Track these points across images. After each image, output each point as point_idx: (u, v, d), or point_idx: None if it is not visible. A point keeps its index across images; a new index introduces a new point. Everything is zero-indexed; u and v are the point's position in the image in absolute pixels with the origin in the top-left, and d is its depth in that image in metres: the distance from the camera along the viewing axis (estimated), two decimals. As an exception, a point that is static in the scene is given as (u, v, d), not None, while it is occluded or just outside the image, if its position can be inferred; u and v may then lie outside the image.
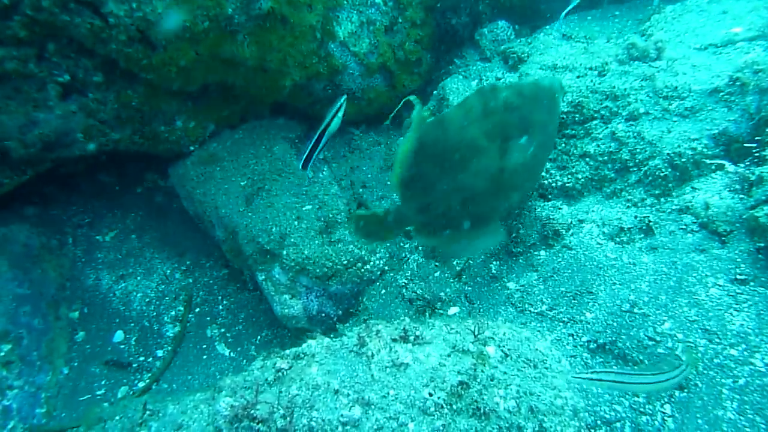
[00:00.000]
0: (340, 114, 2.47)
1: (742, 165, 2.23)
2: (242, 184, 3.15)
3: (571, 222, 2.54)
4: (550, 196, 2.73)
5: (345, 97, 2.50)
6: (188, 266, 3.34)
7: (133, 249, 3.32)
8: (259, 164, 3.25)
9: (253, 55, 2.89)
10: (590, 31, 3.46)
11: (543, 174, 2.75)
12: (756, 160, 2.14)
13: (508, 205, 2.43)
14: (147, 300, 3.16)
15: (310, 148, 2.46)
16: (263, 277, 2.98)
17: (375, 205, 3.27)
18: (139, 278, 3.24)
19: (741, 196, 2.15)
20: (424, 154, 2.21)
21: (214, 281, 3.30)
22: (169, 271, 3.29)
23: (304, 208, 3.08)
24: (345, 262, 2.89)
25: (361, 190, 3.34)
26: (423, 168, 2.23)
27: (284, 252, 2.90)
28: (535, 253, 2.57)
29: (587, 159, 2.62)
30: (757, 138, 2.20)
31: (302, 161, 2.46)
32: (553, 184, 2.71)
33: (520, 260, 2.60)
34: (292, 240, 2.92)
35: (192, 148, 3.26)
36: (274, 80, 3.11)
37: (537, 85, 2.24)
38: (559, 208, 2.67)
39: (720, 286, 2.02)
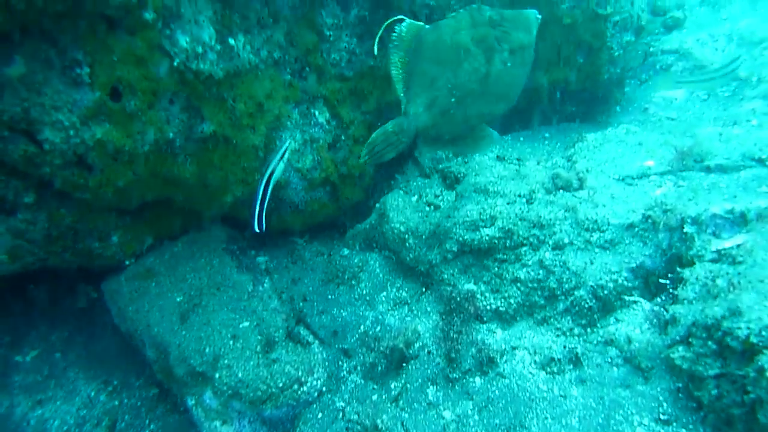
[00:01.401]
0: (285, 158, 2.70)
1: (659, 299, 2.36)
2: (178, 299, 3.07)
3: (505, 348, 2.58)
4: (485, 318, 2.79)
5: (290, 141, 2.62)
6: (115, 386, 3.16)
7: (56, 369, 3.13)
8: (198, 278, 3.19)
9: (194, 174, 2.92)
10: (522, 152, 3.70)
11: (478, 296, 2.81)
12: (671, 296, 2.27)
13: (494, 113, 2.90)
14: (65, 428, 2.93)
15: (258, 202, 2.60)
16: (193, 402, 2.84)
17: (315, 320, 3.23)
18: (58, 403, 3.02)
19: (659, 331, 2.25)
20: (425, 52, 2.67)
21: (143, 402, 3.11)
22: (93, 393, 3.09)
23: (241, 326, 3.01)
24: (281, 385, 2.81)
25: (301, 303, 3.30)
26: (423, 66, 2.69)
27: (217, 375, 2.80)
28: (471, 379, 2.57)
29: (518, 284, 2.71)
30: (670, 275, 2.35)
31: (255, 220, 2.59)
32: (488, 307, 2.77)
33: (457, 387, 2.59)
34: (226, 361, 2.82)
35: (128, 262, 3.18)
36: (216, 196, 3.13)
37: (518, 12, 2.75)
38: (494, 332, 2.71)
39: (645, 425, 2.06)
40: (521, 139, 3.89)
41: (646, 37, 4.92)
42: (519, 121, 4.08)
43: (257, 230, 2.69)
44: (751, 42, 4.26)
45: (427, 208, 3.35)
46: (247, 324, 3.01)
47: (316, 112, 3.44)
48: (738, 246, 2.11)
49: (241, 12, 2.91)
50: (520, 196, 2.93)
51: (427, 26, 2.86)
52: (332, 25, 3.35)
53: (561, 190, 2.92)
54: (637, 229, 2.55)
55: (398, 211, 3.33)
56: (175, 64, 2.54)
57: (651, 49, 4.70)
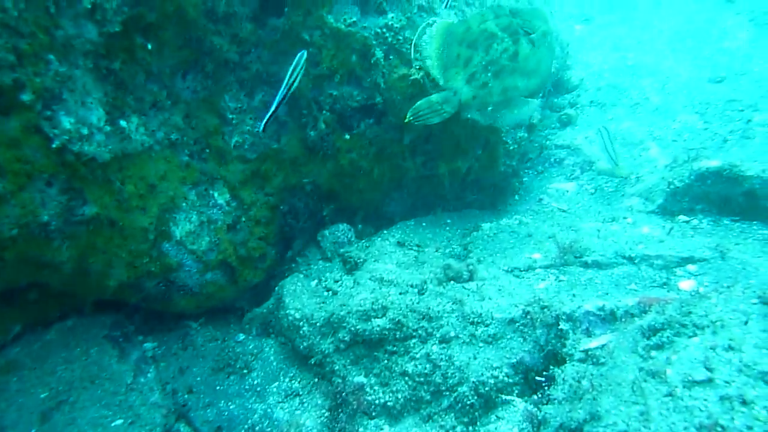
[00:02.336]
0: (301, 74, 2.75)
1: (536, 397, 2.41)
2: (42, 396, 2.79)
3: (391, 448, 2.51)
4: (373, 414, 2.72)
5: (304, 52, 2.73)
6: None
7: None
8: (70, 370, 2.93)
9: (72, 258, 2.75)
10: (423, 238, 3.79)
11: (368, 389, 2.75)
12: (546, 395, 2.33)
13: (529, 87, 3.26)
14: None
15: (271, 110, 2.69)
16: None
17: (199, 414, 3.02)
18: None
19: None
20: (456, 41, 3.20)
21: None
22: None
23: (112, 424, 2.76)
24: (150, 493, 2.56)
25: (186, 396, 3.10)
26: (457, 50, 3.19)
27: (77, 483, 2.52)
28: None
29: (406, 378, 2.68)
30: (545, 372, 2.42)
31: (263, 124, 2.70)
32: (376, 401, 2.71)
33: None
34: (90, 467, 2.56)
35: (-13, 352, 2.89)
36: (99, 280, 2.95)
37: (532, 7, 3.40)
38: (381, 429, 2.65)
39: None
40: (424, 224, 3.99)
41: (543, 130, 5.34)
42: (422, 206, 4.21)
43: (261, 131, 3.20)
44: (631, 143, 4.70)
45: (326, 294, 3.32)
46: (120, 422, 2.77)
47: (216, 194, 3.39)
48: (602, 346, 2.21)
49: (136, 94, 2.88)
50: (412, 286, 2.96)
51: (456, 21, 3.48)
52: (236, 109, 3.39)
53: (452, 281, 2.98)
54: (518, 324, 2.63)
55: (295, 297, 3.28)
56: (54, 146, 2.45)
57: (547, 142, 5.07)
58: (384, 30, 3.41)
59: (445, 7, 3.70)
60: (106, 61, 2.66)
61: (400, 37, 3.46)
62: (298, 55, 2.73)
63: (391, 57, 3.47)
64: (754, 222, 3.27)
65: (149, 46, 2.83)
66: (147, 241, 3.02)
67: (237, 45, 3.23)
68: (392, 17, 3.43)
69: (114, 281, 2.97)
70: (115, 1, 2.61)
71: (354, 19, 3.35)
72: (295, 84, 2.76)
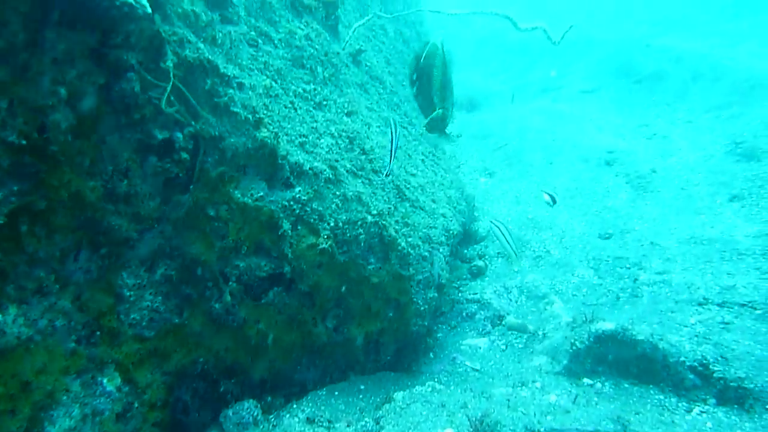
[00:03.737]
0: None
1: None
2: None
3: None
4: None
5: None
6: None
7: None
8: None
9: None
10: (335, 410, 3.60)
11: None
12: None
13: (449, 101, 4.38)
14: None
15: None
16: None
17: None
18: None
19: None
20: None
21: None
22: None
23: None
24: None
25: None
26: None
27: None
28: None
29: None
30: None
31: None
32: None
33: None
34: None
35: None
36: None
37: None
38: None
39: None
40: (336, 393, 3.82)
41: (455, 281, 5.51)
42: (336, 370, 4.07)
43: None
44: (536, 296, 4.92)
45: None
46: None
47: (105, 380, 3.10)
48: None
49: (17, 282, 2.69)
50: (318, 481, 2.73)
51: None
52: (134, 285, 3.24)
53: (361, 472, 2.78)
54: None
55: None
56: None
57: (459, 295, 5.21)
58: (291, 202, 3.51)
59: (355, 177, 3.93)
60: (-16, 252, 2.50)
61: (308, 209, 3.57)
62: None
63: (299, 227, 3.54)
64: (651, 386, 3.40)
65: (37, 232, 2.72)
66: (14, 445, 2.64)
67: (138, 223, 3.18)
68: (299, 190, 3.55)
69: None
70: (1, 192, 2.53)
71: (261, 193, 3.43)
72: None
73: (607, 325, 3.67)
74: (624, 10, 15.90)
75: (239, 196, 3.36)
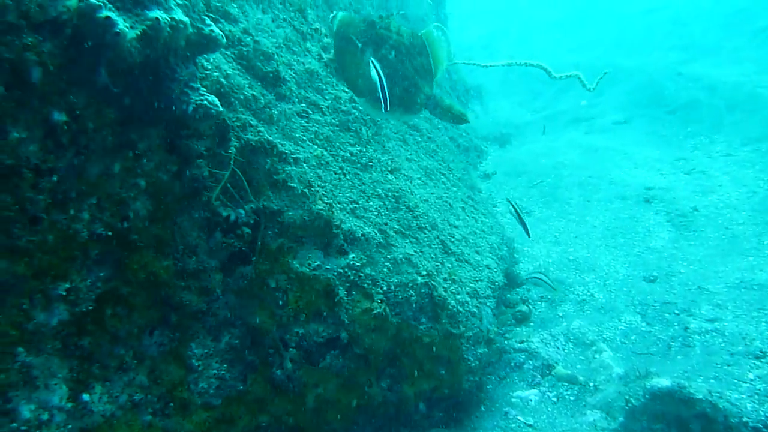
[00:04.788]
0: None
1: None
2: None
3: None
4: None
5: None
6: None
7: None
8: None
9: None
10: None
11: None
12: None
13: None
14: None
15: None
16: None
17: None
18: None
19: None
20: None
21: None
22: None
23: None
24: None
25: None
26: None
27: None
28: None
29: None
30: None
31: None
32: None
33: None
34: None
35: None
36: None
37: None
38: None
39: None
40: (392, 452, 3.89)
41: (500, 327, 5.55)
42: (389, 428, 4.14)
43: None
44: (584, 343, 4.92)
45: None
46: None
47: (177, 449, 3.25)
48: None
49: (102, 362, 2.88)
50: None
51: None
52: (202, 355, 3.41)
53: None
54: None
55: None
56: (10, 440, 2.36)
57: (506, 342, 5.24)
58: (346, 269, 3.66)
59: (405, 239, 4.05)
60: (75, 338, 2.70)
61: (362, 274, 3.71)
62: None
63: (353, 293, 3.68)
64: (713, 447, 3.38)
65: (119, 313, 2.91)
66: None
67: (205, 295, 3.36)
68: (353, 257, 3.70)
69: None
70: (89, 279, 2.74)
71: (318, 262, 3.59)
72: None
73: (663, 382, 3.66)
74: (651, 35, 15.89)
75: (297, 266, 3.52)
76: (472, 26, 21.13)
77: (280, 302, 3.51)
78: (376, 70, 3.32)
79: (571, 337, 5.05)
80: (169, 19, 2.56)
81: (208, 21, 2.87)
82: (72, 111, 2.51)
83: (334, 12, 3.79)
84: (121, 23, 2.33)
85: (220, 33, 2.88)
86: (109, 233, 2.78)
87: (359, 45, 3.68)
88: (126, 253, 2.92)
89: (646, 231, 6.41)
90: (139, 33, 2.45)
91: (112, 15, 2.30)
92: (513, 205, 4.54)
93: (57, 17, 2.30)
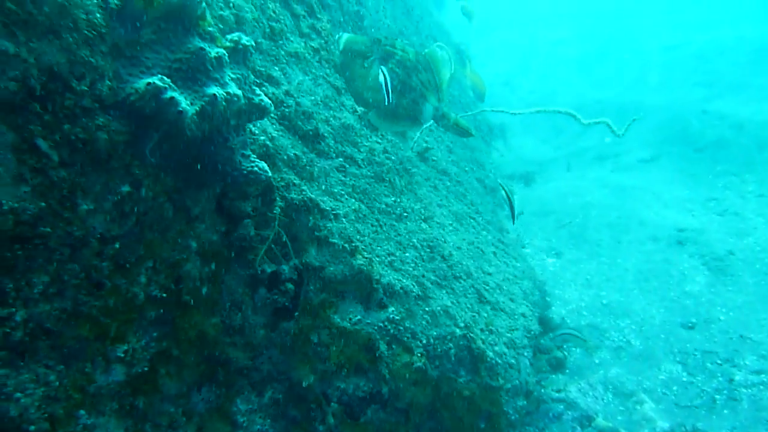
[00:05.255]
0: None
1: None
2: None
3: None
4: None
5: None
6: None
7: None
8: None
9: None
10: None
11: None
12: None
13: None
14: None
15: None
16: None
17: None
18: None
19: None
20: None
21: None
22: None
23: None
24: None
25: None
26: None
27: None
28: None
29: None
30: None
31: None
32: None
33: None
34: None
35: None
36: None
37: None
38: None
39: None
40: None
41: (536, 375, 5.48)
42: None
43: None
44: (623, 394, 4.84)
45: None
46: None
47: (221, 506, 3.28)
48: None
49: (154, 421, 2.95)
50: None
51: None
52: (246, 410, 3.46)
53: None
54: None
55: None
56: (72, 504, 2.42)
57: (542, 391, 5.17)
58: (386, 323, 3.70)
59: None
60: (130, 398, 2.79)
61: (401, 327, 3.75)
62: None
63: (394, 346, 3.71)
64: None
65: (170, 372, 3.00)
66: None
67: (250, 351, 3.44)
68: (392, 310, 3.75)
69: None
70: (144, 340, 2.84)
71: (359, 317, 3.65)
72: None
73: (712, 440, 3.58)
74: (673, 71, 15.95)
75: (339, 320, 3.58)
76: (492, 63, 21.47)
77: (323, 357, 3.56)
78: (383, 72, 3.45)
79: (610, 387, 4.97)
80: (224, 94, 2.72)
81: (257, 91, 3.03)
82: (134, 182, 2.66)
83: (339, 33, 3.99)
84: (184, 102, 2.49)
85: (269, 102, 3.03)
86: (164, 295, 2.89)
87: (367, 58, 3.83)
88: (178, 313, 3.03)
89: (681, 275, 6.33)
90: (198, 109, 2.61)
91: (176, 95, 2.46)
92: (504, 189, 4.51)
93: (125, 98, 2.47)
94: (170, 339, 2.99)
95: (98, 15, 2.33)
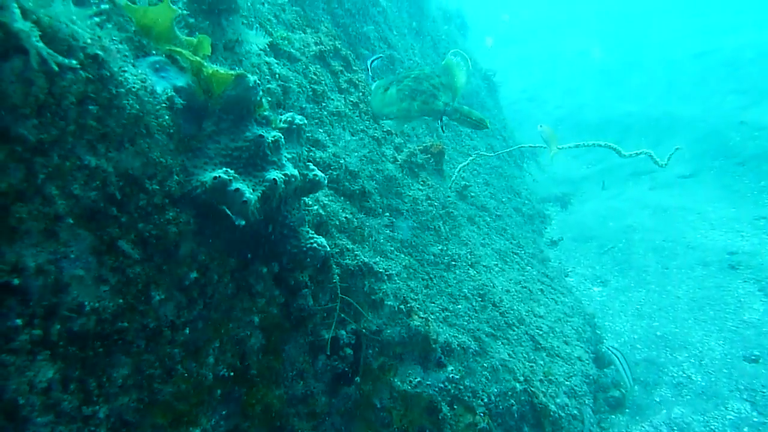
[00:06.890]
0: None
1: None
2: None
3: None
4: None
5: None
6: None
7: None
8: None
9: None
10: None
11: None
12: None
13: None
14: None
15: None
16: None
17: None
18: None
19: None
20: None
21: None
22: None
23: None
24: None
25: None
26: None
27: None
28: None
29: None
30: None
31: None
32: None
33: None
34: None
35: None
36: None
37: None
38: None
39: None
40: None
41: (594, 415, 5.33)
42: None
43: None
44: (689, 437, 4.66)
45: None
46: None
47: None
48: None
49: (226, 500, 2.97)
50: None
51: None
52: (311, 479, 3.45)
53: None
54: None
55: None
56: None
57: (604, 433, 5.03)
58: (446, 383, 3.67)
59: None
60: (205, 481, 2.81)
61: (461, 386, 3.71)
62: None
63: (455, 406, 3.67)
64: None
65: (240, 449, 3.01)
66: None
67: (313, 419, 3.44)
68: (451, 369, 3.71)
69: None
70: (213, 419, 2.87)
71: (418, 378, 3.63)
72: None
73: (795, 494, 3.41)
74: (704, 79, 15.62)
75: (399, 383, 3.56)
76: (516, 78, 21.40)
77: (385, 422, 3.54)
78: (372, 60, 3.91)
79: (675, 428, 4.80)
80: (282, 176, 2.77)
81: (311, 166, 3.09)
82: (201, 267, 2.72)
83: (371, 82, 4.50)
84: (248, 192, 2.55)
85: (323, 176, 3.08)
86: (231, 373, 2.93)
87: (387, 88, 4.19)
88: (244, 388, 3.06)
89: (737, 302, 6.11)
90: (260, 195, 2.66)
91: (241, 186, 2.52)
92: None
93: (191, 191, 2.55)
94: (239, 416, 3.02)
95: (167, 117, 2.42)
